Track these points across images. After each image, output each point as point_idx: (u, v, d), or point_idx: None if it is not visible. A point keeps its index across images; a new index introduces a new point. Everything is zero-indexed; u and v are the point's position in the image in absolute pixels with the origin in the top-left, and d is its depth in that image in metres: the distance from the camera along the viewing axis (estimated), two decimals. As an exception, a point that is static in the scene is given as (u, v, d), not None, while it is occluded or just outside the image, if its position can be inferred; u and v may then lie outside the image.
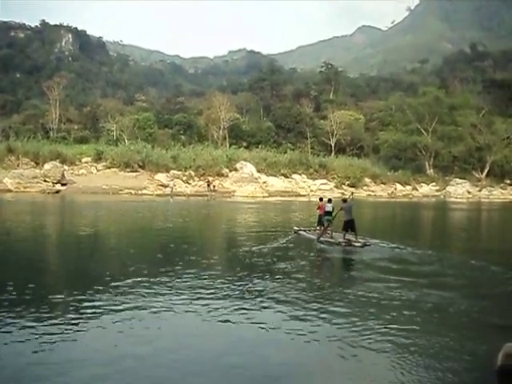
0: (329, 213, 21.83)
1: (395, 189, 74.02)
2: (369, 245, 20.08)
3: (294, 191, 63.23)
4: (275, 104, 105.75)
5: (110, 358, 7.80)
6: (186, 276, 13.45)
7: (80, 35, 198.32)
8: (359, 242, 20.13)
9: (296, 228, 23.98)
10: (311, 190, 63.65)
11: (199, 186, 61.00)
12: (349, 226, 20.68)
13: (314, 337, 8.99)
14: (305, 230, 23.53)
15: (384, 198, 66.81)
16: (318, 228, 22.77)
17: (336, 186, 69.47)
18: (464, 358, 8.26)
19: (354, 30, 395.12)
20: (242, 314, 10.18)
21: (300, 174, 72.18)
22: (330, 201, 22.59)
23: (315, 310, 10.60)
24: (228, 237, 24.36)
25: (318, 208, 22.80)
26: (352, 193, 25.10)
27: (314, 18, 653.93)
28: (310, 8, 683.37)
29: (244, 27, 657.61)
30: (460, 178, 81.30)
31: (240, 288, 12.47)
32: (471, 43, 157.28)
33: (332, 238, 21.47)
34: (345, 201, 21.91)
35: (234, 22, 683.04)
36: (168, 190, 56.39)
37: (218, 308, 10.45)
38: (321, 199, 23.50)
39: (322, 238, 21.33)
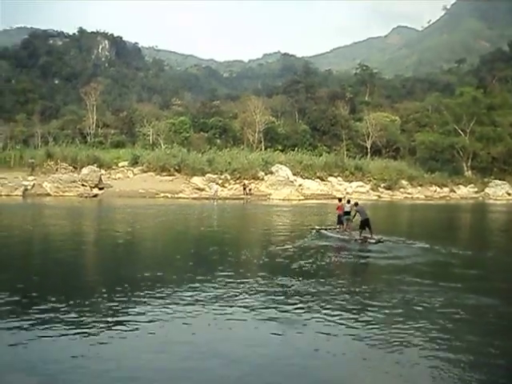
0: (347, 212, 24.02)
1: (435, 191, 73.23)
2: (382, 241, 21.43)
3: (329, 194, 63.00)
4: (310, 106, 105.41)
5: (158, 368, 8.00)
6: (226, 281, 13.58)
7: (116, 41, 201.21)
8: (374, 238, 21.73)
9: (317, 227, 25.27)
10: (347, 193, 63.22)
11: (235, 190, 61.21)
12: (365, 224, 22.20)
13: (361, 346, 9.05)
14: (325, 229, 24.81)
15: (421, 200, 66.09)
16: (337, 227, 24.53)
17: (372, 189, 68.98)
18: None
19: (389, 30, 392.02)
20: (286, 320, 10.26)
21: (336, 177, 71.84)
22: (348, 202, 24.92)
23: (359, 314, 10.63)
24: (261, 238, 24.58)
25: (338, 208, 24.91)
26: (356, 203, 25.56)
27: (348, 19, 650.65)
28: (345, 10, 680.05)
29: (278, 30, 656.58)
30: (499, 180, 79.83)
31: (274, 290, 12.57)
32: (509, 41, 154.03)
33: (350, 235, 23.07)
34: (356, 204, 23.58)
35: (268, 25, 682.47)
36: (212, 193, 56.85)
37: (264, 313, 10.56)
38: (340, 200, 25.85)
39: (341, 236, 23.22)
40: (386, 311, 11.01)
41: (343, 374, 7.95)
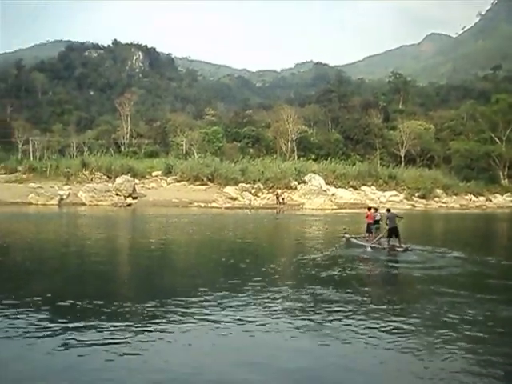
0: (377, 221, 23.87)
1: (470, 200, 72.24)
2: (411, 250, 21.23)
3: (363, 203, 62.58)
4: (343, 115, 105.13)
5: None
6: (256, 289, 13.58)
7: (150, 52, 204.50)
8: (402, 247, 21.58)
9: (347, 235, 25.22)
10: (381, 202, 62.71)
11: (268, 199, 61.20)
12: (393, 232, 22.05)
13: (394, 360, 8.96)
14: (355, 237, 24.78)
15: (456, 209, 65.18)
16: (366, 235, 24.34)
17: (406, 198, 68.33)
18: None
19: (422, 38, 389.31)
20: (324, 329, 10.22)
21: (369, 186, 71.41)
22: (376, 210, 25.19)
23: (390, 323, 10.50)
24: (292, 247, 24.54)
25: (367, 217, 24.75)
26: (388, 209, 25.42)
27: (381, 27, 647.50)
28: (377, 18, 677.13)
29: (310, 39, 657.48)
30: (538, 188, 78.27)
31: (304, 298, 12.49)
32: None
33: (379, 244, 22.87)
34: (388, 210, 23.41)
35: (301, 35, 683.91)
36: (246, 202, 57.46)
37: (293, 321, 10.53)
38: (369, 209, 25.74)
39: (372, 244, 22.71)
40: (418, 321, 10.81)
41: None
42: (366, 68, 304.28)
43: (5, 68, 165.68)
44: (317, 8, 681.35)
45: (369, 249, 22.19)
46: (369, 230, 24.22)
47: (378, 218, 23.85)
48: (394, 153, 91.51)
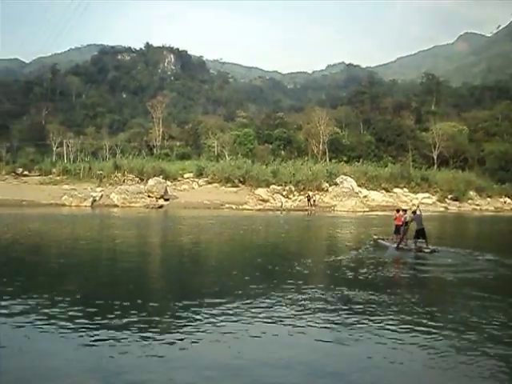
0: (405, 223, 23.79)
1: (505, 202, 71.10)
2: (438, 251, 21.43)
3: (395, 205, 62.02)
4: (375, 117, 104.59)
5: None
6: (285, 290, 13.55)
7: (181, 55, 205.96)
8: (428, 248, 21.73)
9: (375, 237, 25.68)
10: (413, 204, 62.09)
11: (299, 201, 61.12)
12: (420, 234, 22.20)
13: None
14: (383, 239, 25.13)
15: (490, 211, 64.18)
16: (395, 237, 24.50)
17: (439, 200, 67.65)
18: None
19: (455, 37, 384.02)
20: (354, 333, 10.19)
21: (401, 188, 70.89)
22: (405, 211, 25.24)
23: (418, 325, 10.40)
24: (322, 249, 24.60)
25: (396, 219, 24.96)
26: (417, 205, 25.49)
27: (413, 27, 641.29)
28: (410, 18, 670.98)
29: (342, 41, 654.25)
30: None
31: (332, 300, 12.40)
32: None
33: (406, 245, 23.11)
34: (414, 212, 23.52)
35: (332, 36, 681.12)
36: (278, 204, 58.02)
37: (320, 322, 10.51)
38: (398, 211, 25.86)
39: (398, 245, 23.04)
40: (447, 323, 10.64)
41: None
42: (398, 69, 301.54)
43: (41, 72, 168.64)
44: (348, 9, 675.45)
45: (394, 250, 22.57)
46: (397, 232, 24.35)
47: (406, 219, 23.81)
48: (427, 154, 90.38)
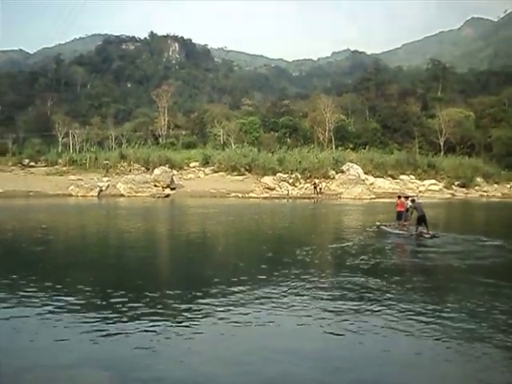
0: (407, 209, 24.51)
1: (510, 187, 70.75)
2: (437, 236, 21.88)
3: (401, 192, 61.83)
4: (381, 104, 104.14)
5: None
6: (290, 277, 13.49)
7: (186, 44, 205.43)
8: (429, 233, 22.27)
9: (378, 223, 26.19)
10: (420, 191, 61.97)
11: (305, 189, 61.09)
12: (421, 220, 22.74)
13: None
14: (385, 225, 25.65)
15: (497, 198, 63.92)
16: (397, 223, 25.29)
17: (445, 187, 67.43)
18: None
19: (462, 23, 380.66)
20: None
21: (408, 175, 70.75)
22: (406, 198, 25.56)
23: (425, 315, 10.33)
24: (327, 236, 24.56)
25: (397, 205, 25.67)
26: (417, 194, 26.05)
27: (418, 13, 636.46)
28: (414, 4, 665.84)
29: (347, 27, 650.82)
30: None
31: (338, 287, 12.34)
32: None
33: (408, 230, 23.78)
34: (413, 201, 23.98)
35: (337, 23, 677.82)
36: (284, 192, 58.35)
37: (325, 311, 10.47)
38: (399, 197, 26.35)
39: (399, 231, 24.10)
40: (455, 310, 10.58)
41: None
42: (403, 55, 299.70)
43: (45, 63, 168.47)
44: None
45: (396, 235, 23.39)
46: (399, 218, 25.03)
47: (409, 205, 24.43)
48: (433, 141, 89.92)
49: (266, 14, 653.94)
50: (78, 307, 10.64)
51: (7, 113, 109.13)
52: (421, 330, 9.33)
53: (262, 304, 11.02)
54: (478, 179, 70.64)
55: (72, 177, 60.79)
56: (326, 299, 11.48)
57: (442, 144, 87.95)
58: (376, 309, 10.71)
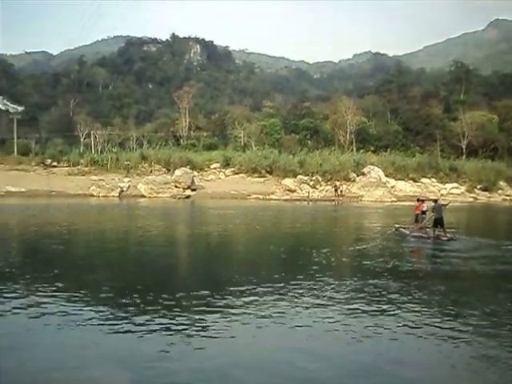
0: (424, 212, 24.87)
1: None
2: (455, 239, 22.02)
3: (423, 195, 61.39)
4: (403, 106, 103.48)
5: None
6: (306, 279, 13.45)
7: (207, 46, 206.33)
8: (446, 236, 22.40)
9: (396, 225, 25.96)
10: (441, 195, 61.39)
11: (326, 191, 60.90)
12: (438, 222, 22.80)
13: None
14: (403, 227, 25.53)
15: (521, 202, 63.22)
16: (415, 225, 25.05)
17: (468, 190, 66.74)
18: None
19: (485, 24, 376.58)
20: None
21: (429, 178, 70.10)
22: (423, 201, 25.98)
23: (443, 319, 10.17)
24: (346, 238, 24.59)
25: (416, 208, 25.76)
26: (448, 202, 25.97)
27: (441, 14, 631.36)
28: (437, 5, 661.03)
29: (369, 29, 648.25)
30: None
31: (355, 290, 12.23)
32: None
33: (426, 233, 23.72)
34: (435, 201, 24.22)
35: (359, 25, 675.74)
36: (305, 195, 58.24)
37: (342, 314, 10.38)
38: (418, 200, 26.50)
39: (416, 233, 23.82)
40: (474, 316, 10.45)
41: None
42: (426, 57, 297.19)
43: (68, 64, 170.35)
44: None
45: (414, 237, 23.32)
46: (417, 221, 25.03)
47: (424, 208, 24.78)
48: (456, 144, 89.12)
49: (287, 17, 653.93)
50: (99, 307, 10.66)
51: (31, 113, 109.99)
52: (440, 336, 9.19)
53: (279, 306, 10.94)
54: (501, 183, 69.85)
55: (93, 177, 61.11)
56: (345, 302, 11.40)
57: (464, 147, 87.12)
58: (395, 312, 10.59)
